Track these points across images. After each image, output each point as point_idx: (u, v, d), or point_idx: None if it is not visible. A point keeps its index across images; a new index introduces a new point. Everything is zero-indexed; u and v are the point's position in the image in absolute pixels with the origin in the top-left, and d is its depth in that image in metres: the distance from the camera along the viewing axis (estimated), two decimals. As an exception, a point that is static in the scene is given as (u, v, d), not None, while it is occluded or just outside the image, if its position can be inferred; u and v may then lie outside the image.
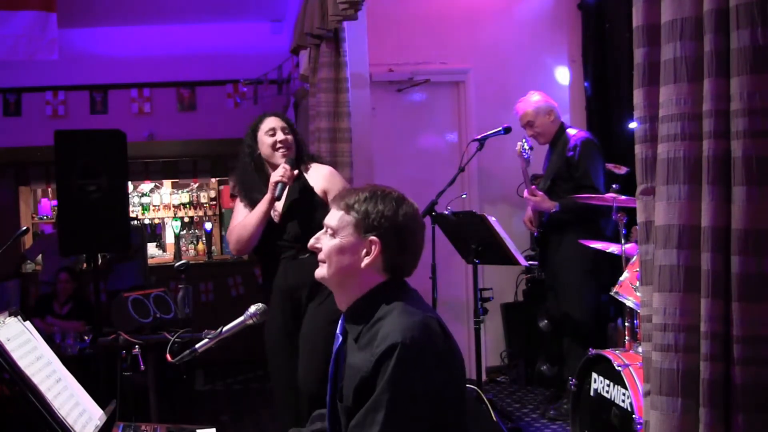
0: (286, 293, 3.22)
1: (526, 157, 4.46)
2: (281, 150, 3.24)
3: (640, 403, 2.96)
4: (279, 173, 3.18)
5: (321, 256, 1.84)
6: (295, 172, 3.19)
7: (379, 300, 1.77)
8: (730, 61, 1.66)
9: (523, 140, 4.50)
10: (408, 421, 1.63)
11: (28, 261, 7.55)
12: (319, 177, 3.26)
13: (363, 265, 1.78)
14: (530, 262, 4.98)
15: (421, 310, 1.75)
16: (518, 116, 4.71)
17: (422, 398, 1.64)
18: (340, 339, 1.86)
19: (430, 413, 1.66)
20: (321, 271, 1.85)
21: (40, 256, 7.32)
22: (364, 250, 1.78)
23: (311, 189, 3.24)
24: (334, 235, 1.81)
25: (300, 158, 3.30)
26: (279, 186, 3.15)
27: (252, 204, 3.25)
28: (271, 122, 3.29)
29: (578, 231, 4.36)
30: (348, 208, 1.81)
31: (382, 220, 1.77)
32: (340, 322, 1.88)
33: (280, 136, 3.25)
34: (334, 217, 1.83)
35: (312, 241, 1.88)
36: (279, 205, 3.23)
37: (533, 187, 4.52)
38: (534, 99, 4.67)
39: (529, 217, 4.78)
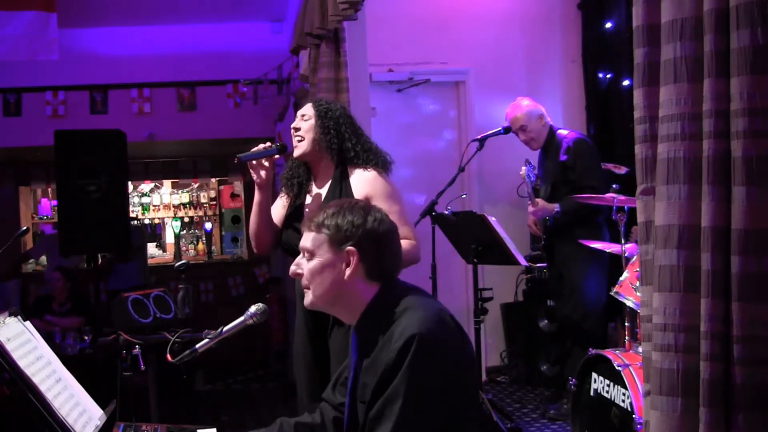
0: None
1: (532, 179, 4.44)
2: (295, 137, 2.90)
3: (640, 403, 2.96)
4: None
5: (304, 281, 1.85)
6: (276, 157, 2.87)
7: (386, 305, 1.77)
8: (730, 61, 1.66)
9: (527, 163, 4.46)
10: (424, 412, 1.64)
11: (29, 260, 7.55)
12: (362, 182, 2.84)
13: (346, 277, 1.79)
14: (536, 263, 4.99)
15: (434, 303, 1.77)
16: (508, 121, 4.69)
17: (438, 389, 1.66)
18: (356, 355, 1.86)
19: (446, 404, 1.67)
20: (308, 298, 1.86)
21: (44, 257, 7.33)
22: (344, 263, 1.79)
23: (350, 195, 2.83)
24: (311, 256, 1.83)
25: (341, 157, 2.88)
26: (251, 152, 2.83)
27: (285, 186, 3.01)
28: (303, 108, 2.94)
29: (582, 232, 4.35)
30: (318, 227, 1.82)
31: (353, 229, 1.79)
32: (352, 338, 1.88)
33: (295, 121, 2.91)
34: (307, 239, 1.84)
35: (293, 268, 1.89)
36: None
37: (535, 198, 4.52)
38: (524, 104, 4.65)
39: (533, 220, 4.78)
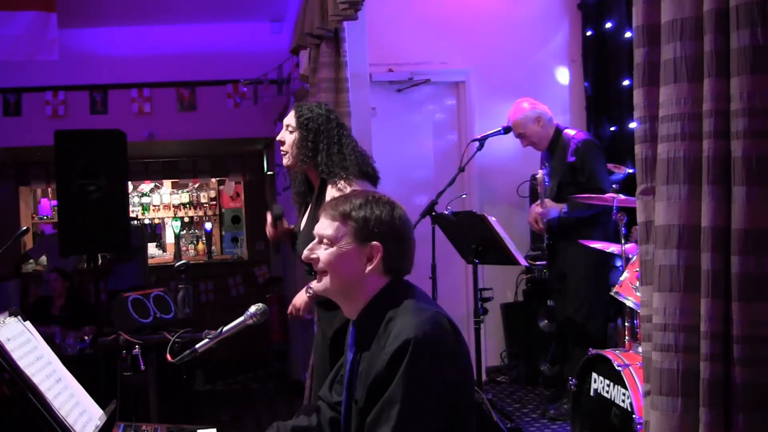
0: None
1: (547, 183, 4.44)
2: (281, 150, 2.89)
3: (640, 403, 2.96)
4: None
5: (321, 266, 1.82)
6: (269, 228, 2.87)
7: (387, 302, 1.77)
8: (730, 61, 1.66)
9: (543, 166, 4.47)
10: (422, 416, 1.64)
11: (30, 261, 7.55)
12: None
13: (367, 271, 1.78)
14: (537, 263, 4.97)
15: (431, 307, 1.77)
16: (509, 125, 4.68)
17: (436, 392, 1.66)
18: (354, 348, 1.86)
19: (444, 407, 1.67)
20: (322, 284, 1.84)
21: (44, 257, 7.32)
22: (366, 257, 1.78)
23: None
24: (331, 244, 1.80)
25: (326, 172, 2.76)
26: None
27: (293, 199, 3.03)
28: (287, 116, 2.89)
29: (586, 233, 4.34)
30: (344, 217, 1.80)
31: (381, 225, 1.78)
32: (350, 331, 1.88)
33: (280, 133, 2.87)
34: (329, 227, 1.81)
35: (306, 252, 1.86)
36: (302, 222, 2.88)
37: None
38: (523, 107, 4.60)
39: (534, 218, 4.77)
